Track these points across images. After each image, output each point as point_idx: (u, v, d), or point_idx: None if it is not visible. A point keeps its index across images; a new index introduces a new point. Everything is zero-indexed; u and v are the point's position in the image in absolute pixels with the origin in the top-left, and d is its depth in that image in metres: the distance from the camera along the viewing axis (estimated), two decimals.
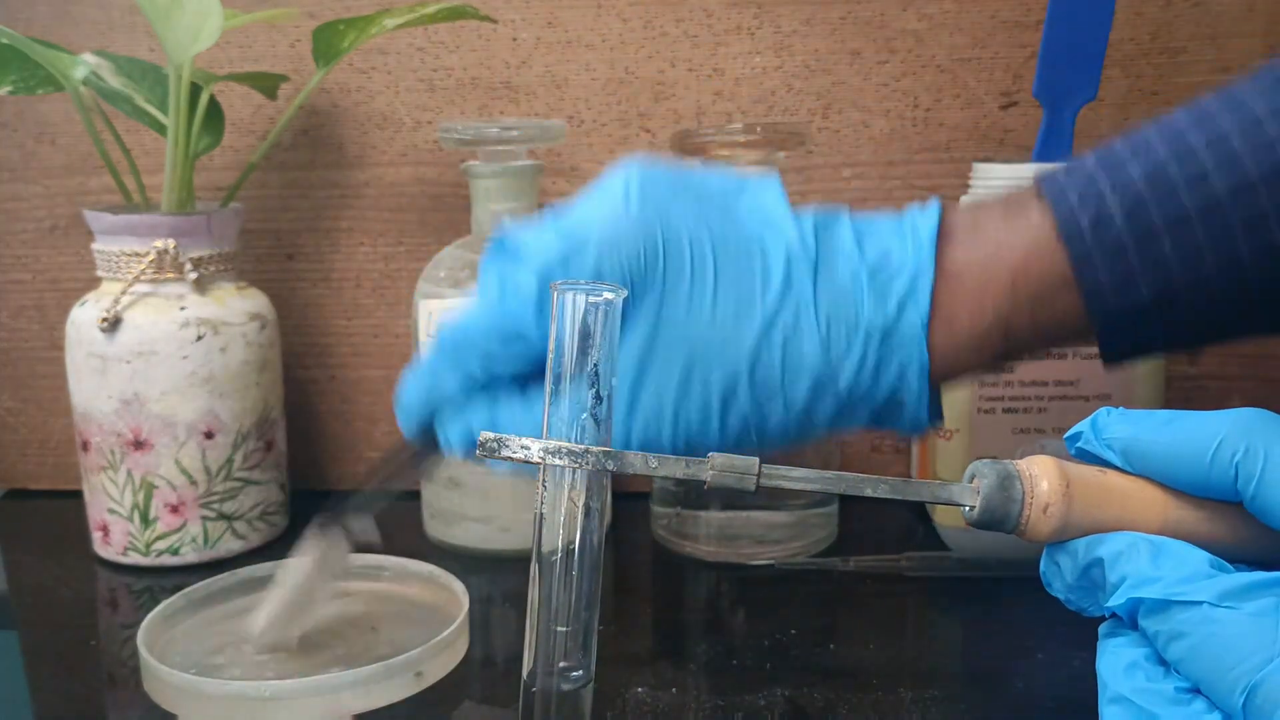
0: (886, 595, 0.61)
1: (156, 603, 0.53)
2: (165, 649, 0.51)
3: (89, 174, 0.76)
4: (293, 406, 0.74)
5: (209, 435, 0.64)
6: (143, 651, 0.49)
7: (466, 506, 0.66)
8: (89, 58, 0.66)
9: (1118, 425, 0.35)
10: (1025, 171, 0.60)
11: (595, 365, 0.33)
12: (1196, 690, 0.30)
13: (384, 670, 0.48)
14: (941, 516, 0.65)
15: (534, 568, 0.34)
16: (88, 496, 0.67)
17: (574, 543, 0.34)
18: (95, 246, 0.65)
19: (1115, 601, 0.32)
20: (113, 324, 0.63)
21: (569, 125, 0.73)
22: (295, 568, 0.50)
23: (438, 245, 0.70)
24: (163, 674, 0.48)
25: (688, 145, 0.61)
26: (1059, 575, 0.34)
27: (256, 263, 0.76)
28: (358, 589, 0.58)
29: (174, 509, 0.65)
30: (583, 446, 0.33)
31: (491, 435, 0.33)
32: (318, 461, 0.78)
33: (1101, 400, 0.60)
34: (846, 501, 0.69)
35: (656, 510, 0.68)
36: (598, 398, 0.34)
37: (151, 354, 0.63)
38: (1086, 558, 0.33)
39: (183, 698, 0.47)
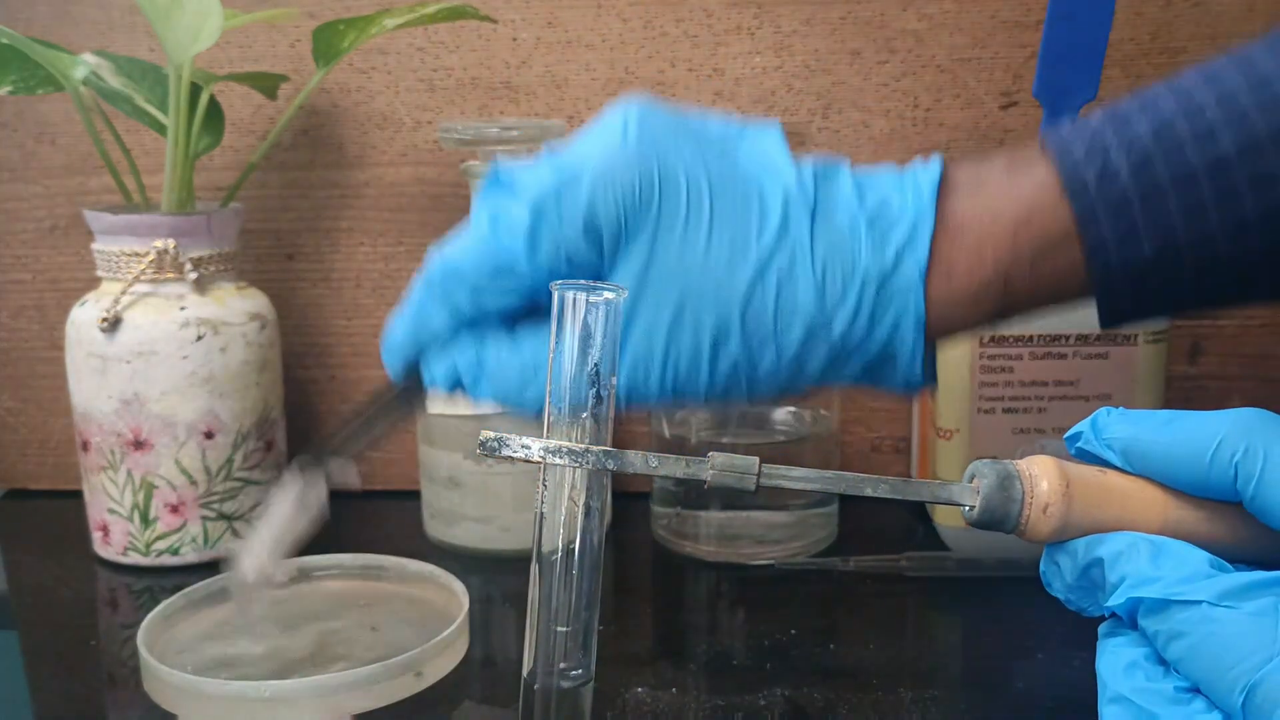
0: (886, 595, 0.61)
1: (156, 603, 0.53)
2: (165, 649, 0.51)
3: (89, 174, 0.76)
4: (293, 406, 0.74)
5: (209, 435, 0.64)
6: (143, 651, 0.49)
7: (466, 506, 0.66)
8: (89, 58, 0.66)
9: (1118, 425, 0.35)
10: None
11: (595, 365, 0.33)
12: (1196, 690, 0.30)
13: (384, 670, 0.48)
14: (941, 516, 0.65)
15: (534, 567, 0.34)
16: (88, 496, 0.67)
17: (574, 542, 0.34)
18: (95, 246, 0.65)
19: (1115, 601, 0.32)
20: (113, 324, 0.63)
21: (569, 125, 0.73)
22: (274, 507, 0.49)
23: (437, 245, 0.70)
24: (163, 674, 0.48)
25: None
26: (1059, 575, 0.34)
27: (256, 263, 0.76)
28: (358, 589, 0.58)
29: (174, 509, 0.65)
30: (583, 446, 0.33)
31: (492, 434, 0.33)
32: None
33: (1101, 400, 0.60)
34: (846, 501, 0.69)
35: (656, 510, 0.68)
36: (598, 397, 0.34)
37: (151, 354, 0.63)
38: (1086, 558, 0.33)
39: (183, 698, 0.47)
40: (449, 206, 0.74)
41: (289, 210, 0.76)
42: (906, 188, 0.40)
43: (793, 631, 0.56)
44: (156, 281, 0.64)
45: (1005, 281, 0.39)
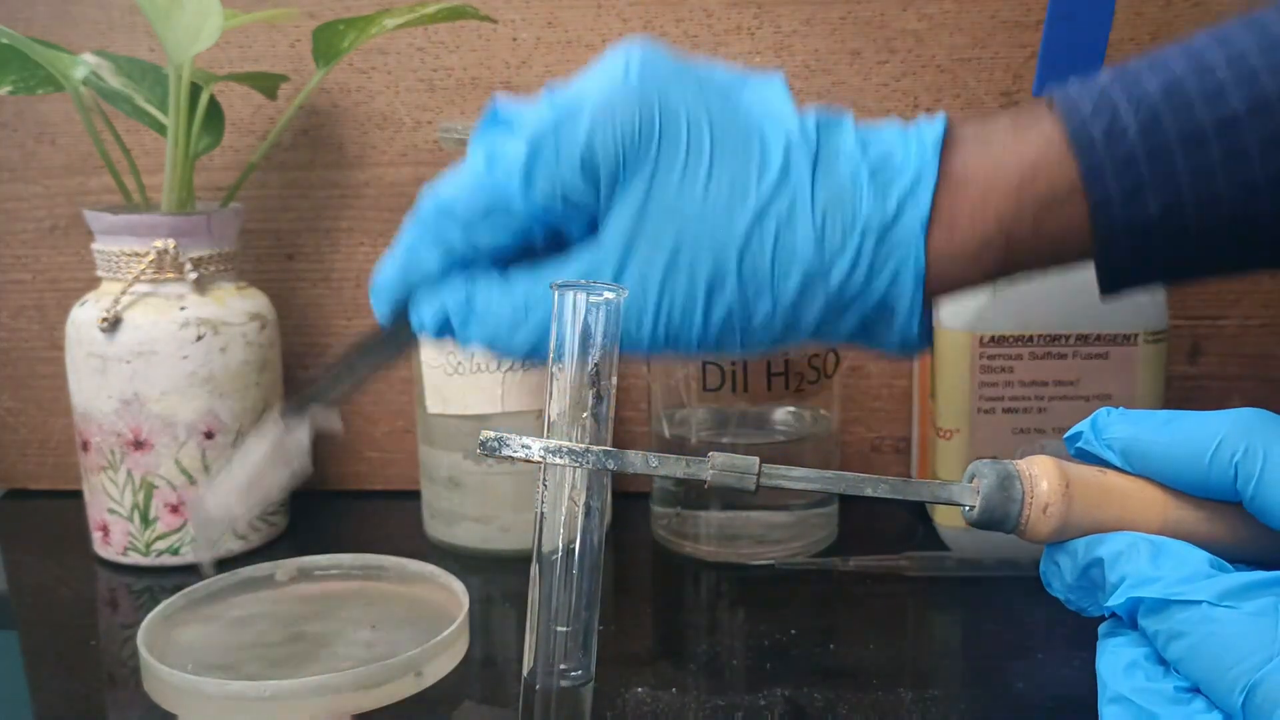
0: (886, 595, 0.61)
1: (156, 603, 0.53)
2: (165, 649, 0.51)
3: (89, 174, 0.76)
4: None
5: (209, 435, 0.64)
6: (143, 651, 0.49)
7: (466, 506, 0.66)
8: (89, 58, 0.66)
9: (1117, 425, 0.35)
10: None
11: (595, 364, 0.33)
12: (1196, 689, 0.30)
13: (384, 670, 0.48)
14: (941, 516, 0.65)
15: (534, 567, 0.34)
16: (88, 496, 0.67)
17: (574, 542, 0.34)
18: (95, 246, 0.65)
19: (1115, 601, 0.32)
20: (113, 324, 0.63)
21: None
22: (251, 449, 0.49)
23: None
24: (163, 674, 0.48)
25: None
26: (1059, 575, 0.34)
27: (256, 263, 0.76)
28: (358, 589, 0.58)
29: (174, 509, 0.65)
30: (583, 445, 0.33)
31: (492, 434, 0.33)
32: (318, 461, 0.78)
33: (1101, 400, 0.60)
34: (846, 501, 0.69)
35: (656, 510, 0.68)
36: (598, 397, 0.34)
37: (151, 354, 0.63)
38: (1086, 558, 0.33)
39: (183, 698, 0.47)
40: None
41: (289, 210, 0.76)
42: (910, 140, 0.39)
43: (793, 631, 0.56)
44: (156, 281, 0.64)
45: (1007, 237, 0.38)
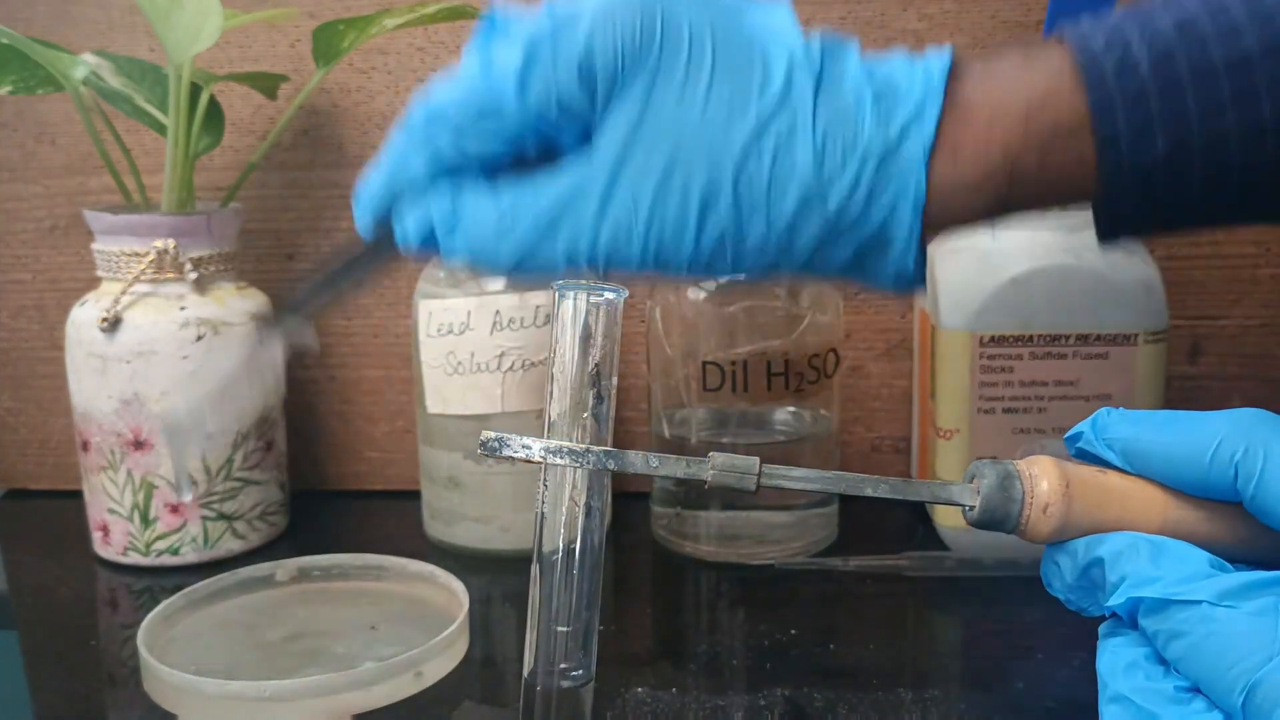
0: (886, 595, 0.61)
1: (156, 603, 0.53)
2: (165, 649, 0.51)
3: (89, 174, 0.76)
4: (293, 406, 0.74)
5: (209, 435, 0.64)
6: (143, 651, 0.49)
7: (466, 506, 0.66)
8: (89, 58, 0.66)
9: (1118, 425, 0.35)
10: None
11: (596, 365, 0.33)
12: (1196, 689, 0.30)
13: (384, 670, 0.48)
14: (941, 516, 0.65)
15: (535, 567, 0.34)
16: (88, 496, 0.67)
17: (575, 542, 0.34)
18: (95, 246, 0.65)
19: (1115, 601, 0.32)
20: (113, 324, 0.63)
21: None
22: (224, 361, 0.47)
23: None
24: (163, 674, 0.48)
25: None
26: (1059, 575, 0.34)
27: (256, 263, 0.76)
28: (358, 589, 0.58)
29: (174, 509, 0.65)
30: (584, 446, 0.33)
31: (492, 434, 0.33)
32: (318, 461, 0.78)
33: (1101, 400, 0.60)
34: (846, 501, 0.69)
35: (656, 510, 0.68)
36: (598, 397, 0.34)
37: (151, 354, 0.63)
38: (1086, 558, 0.33)
39: (183, 698, 0.47)
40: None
41: (289, 210, 0.76)
42: (917, 68, 0.38)
43: (793, 631, 0.56)
44: (156, 281, 0.64)
45: (1011, 168, 0.38)
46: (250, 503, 0.67)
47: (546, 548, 0.34)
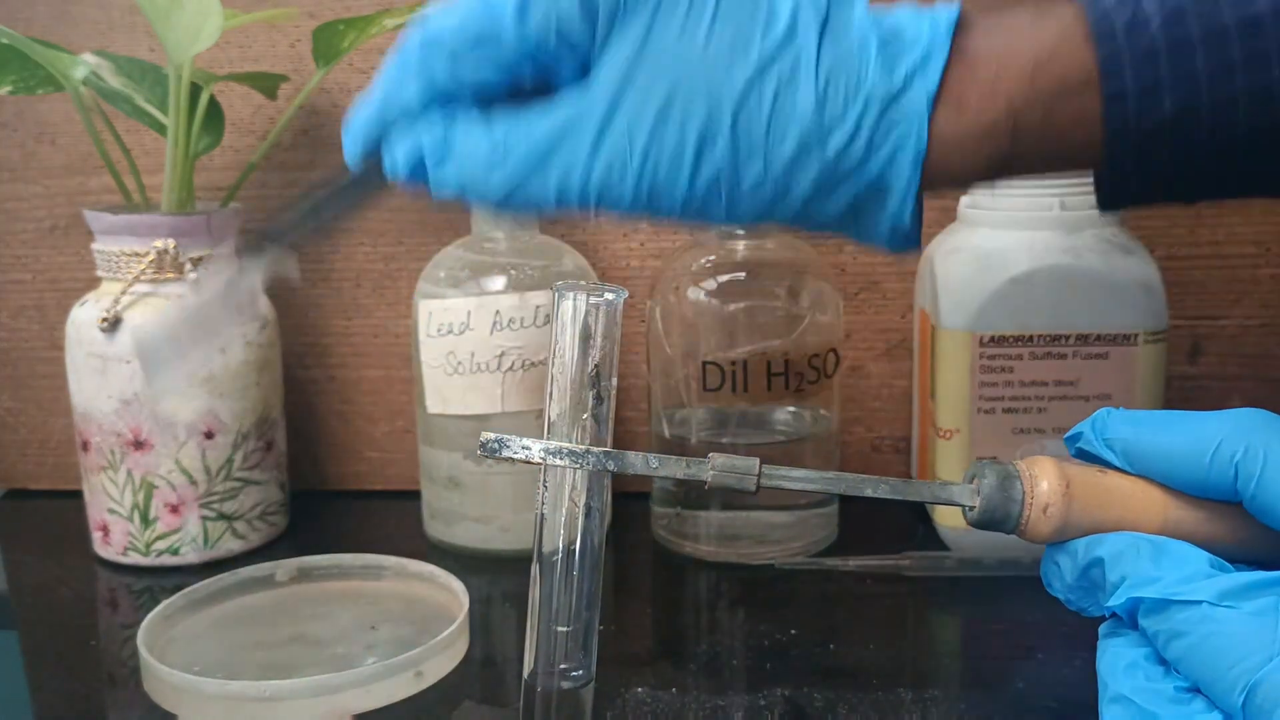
0: (886, 595, 0.61)
1: (156, 603, 0.54)
2: (165, 649, 0.51)
3: (89, 174, 0.76)
4: (293, 406, 0.74)
5: (209, 435, 0.64)
6: (143, 651, 0.49)
7: (466, 506, 0.66)
8: (89, 58, 0.66)
9: (1118, 425, 0.35)
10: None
11: (595, 365, 0.33)
12: (1196, 689, 0.30)
13: (384, 670, 0.48)
14: (941, 516, 0.65)
15: (535, 568, 0.34)
16: (88, 496, 0.67)
17: (575, 543, 0.34)
18: (95, 246, 0.65)
19: (1115, 601, 0.32)
20: (113, 324, 0.63)
21: None
22: (204, 285, 0.47)
23: (438, 245, 0.70)
24: (163, 674, 0.48)
25: None
26: (1059, 575, 0.34)
27: None
28: (358, 589, 0.58)
29: (174, 509, 0.65)
30: (583, 447, 0.33)
31: (492, 435, 0.33)
32: (318, 461, 0.78)
33: (1101, 400, 0.60)
34: (846, 501, 0.69)
35: (656, 510, 0.68)
36: (598, 398, 0.34)
37: None
38: (1086, 558, 0.33)
39: (183, 698, 0.47)
40: (449, 206, 0.74)
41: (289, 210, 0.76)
42: (924, 18, 0.38)
43: (793, 631, 0.57)
44: (156, 281, 0.64)
45: (1015, 123, 0.37)
46: (250, 503, 0.67)
47: (546, 548, 0.34)
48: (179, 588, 0.55)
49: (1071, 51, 0.37)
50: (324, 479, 0.78)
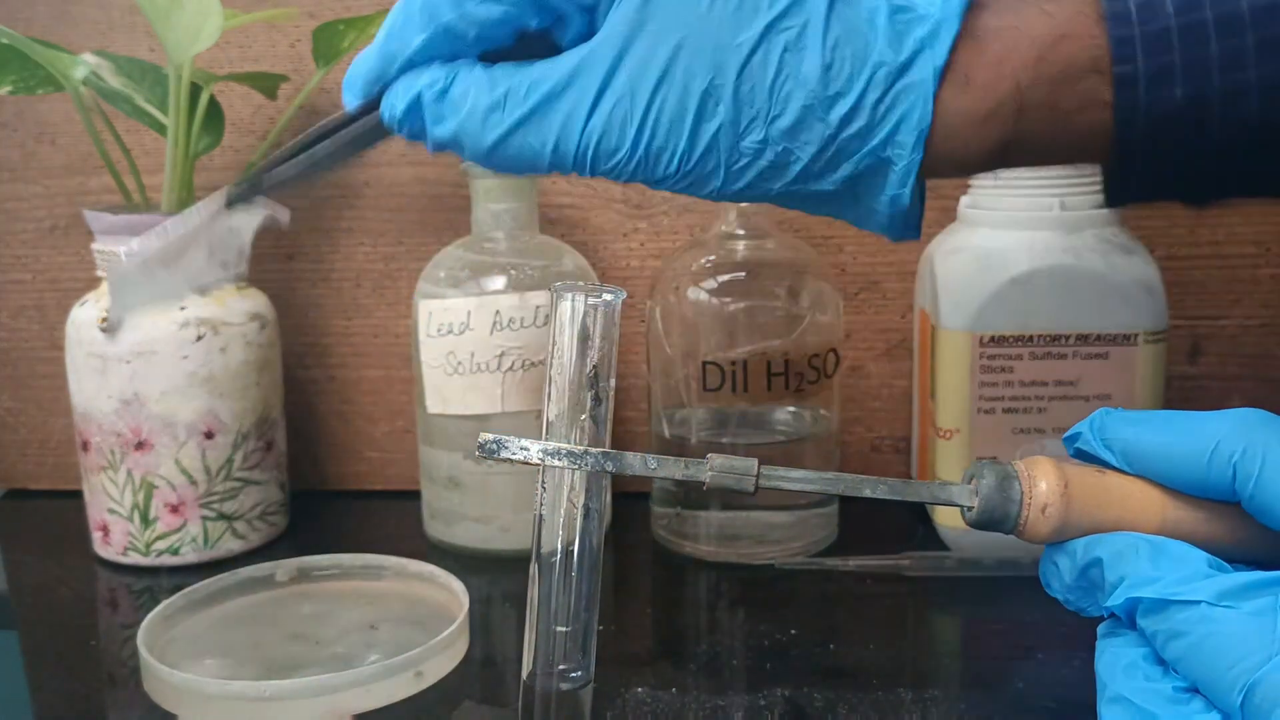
0: (886, 595, 0.61)
1: (156, 603, 0.54)
2: (165, 649, 0.51)
3: (89, 174, 0.76)
4: (293, 406, 0.74)
5: (209, 435, 0.64)
6: (143, 651, 0.49)
7: (466, 506, 0.66)
8: (89, 58, 0.66)
9: (1116, 425, 0.35)
10: (1025, 170, 0.60)
11: (594, 366, 0.33)
12: (1195, 689, 0.30)
13: (384, 670, 0.48)
14: (941, 516, 0.65)
15: (533, 568, 0.34)
16: (88, 496, 0.67)
17: (573, 544, 0.34)
18: (95, 246, 0.65)
19: (1114, 601, 0.32)
20: (113, 324, 0.63)
21: None
22: (187, 219, 0.46)
23: (438, 245, 0.70)
24: (163, 674, 0.48)
25: None
26: (1058, 576, 0.34)
27: (256, 263, 0.76)
28: (358, 589, 0.58)
29: (174, 509, 0.65)
30: (582, 448, 0.33)
31: (490, 436, 0.33)
32: (318, 461, 0.78)
33: (1101, 400, 0.60)
34: (846, 501, 0.69)
35: (656, 510, 0.68)
36: (596, 399, 0.34)
37: (151, 354, 0.63)
38: (1085, 558, 0.33)
39: (183, 698, 0.47)
40: (449, 206, 0.74)
41: (289, 210, 0.76)
42: None
43: (793, 631, 0.57)
44: None
45: (1020, 105, 0.37)
46: (250, 503, 0.67)
47: (545, 549, 0.34)
48: (179, 588, 0.55)
49: (1083, 33, 0.36)
50: (324, 479, 0.78)
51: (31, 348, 0.78)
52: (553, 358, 0.34)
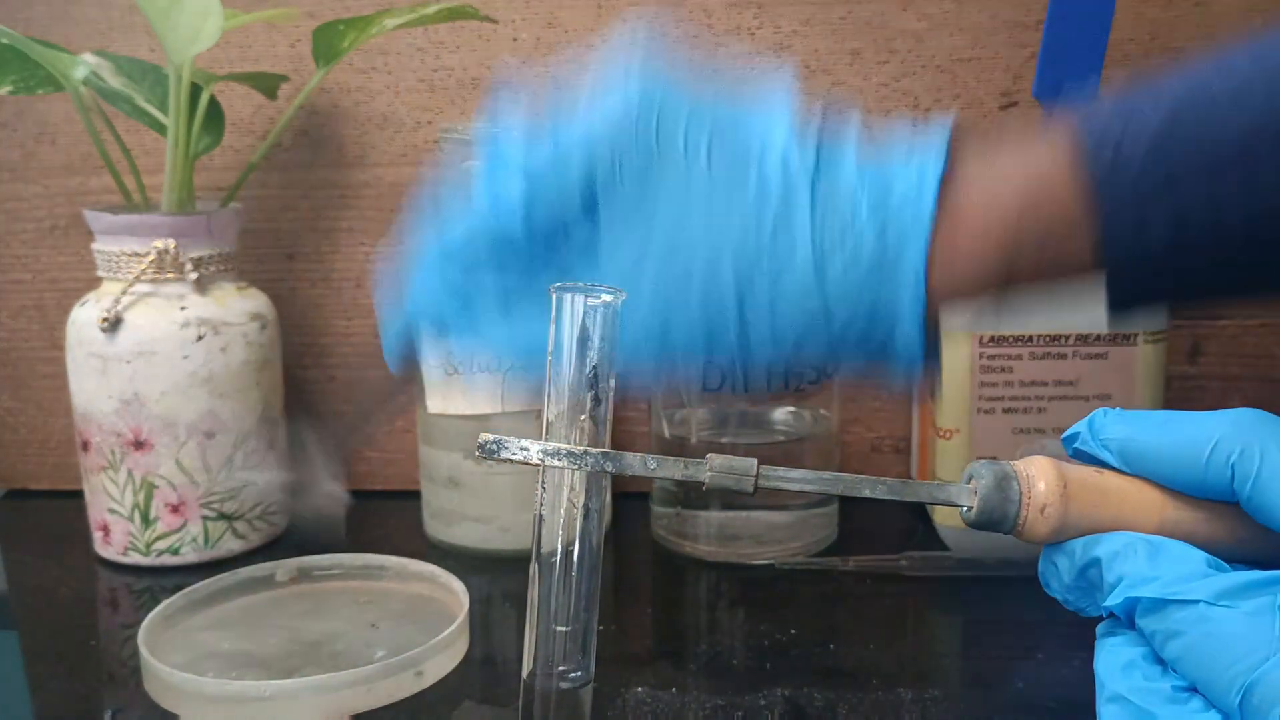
0: (886, 595, 0.61)
1: (157, 603, 0.53)
2: (165, 649, 0.51)
3: (89, 174, 0.76)
4: (293, 406, 0.74)
5: (209, 435, 0.64)
6: (143, 651, 0.49)
7: (466, 506, 0.66)
8: (89, 58, 0.66)
9: (1115, 426, 0.35)
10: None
11: (593, 366, 0.33)
12: (1194, 689, 0.30)
13: (384, 670, 0.48)
14: (941, 516, 0.65)
15: (533, 568, 0.34)
16: (88, 496, 0.67)
17: (573, 544, 0.34)
18: (95, 246, 0.65)
19: (1112, 601, 0.32)
20: (113, 324, 0.63)
21: None
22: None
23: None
24: (163, 674, 0.48)
25: None
26: (1057, 576, 0.34)
27: (256, 263, 0.76)
28: (358, 589, 0.58)
29: (174, 509, 0.65)
30: (581, 448, 0.33)
31: (490, 436, 0.33)
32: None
33: (1101, 400, 0.60)
34: (846, 501, 0.69)
35: (656, 510, 0.68)
36: (596, 399, 0.34)
37: (152, 354, 0.63)
38: (1084, 558, 0.33)
39: (183, 698, 0.47)
40: None
41: (289, 210, 0.76)
42: (911, 169, 0.38)
43: (793, 631, 0.57)
44: (157, 281, 0.64)
45: (1008, 270, 0.38)
46: (251, 503, 0.67)
47: (545, 549, 0.34)
48: (179, 588, 0.55)
49: (1057, 195, 0.37)
50: None
51: (31, 348, 0.78)
52: (552, 358, 0.34)
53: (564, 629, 0.34)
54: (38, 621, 0.62)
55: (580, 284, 0.35)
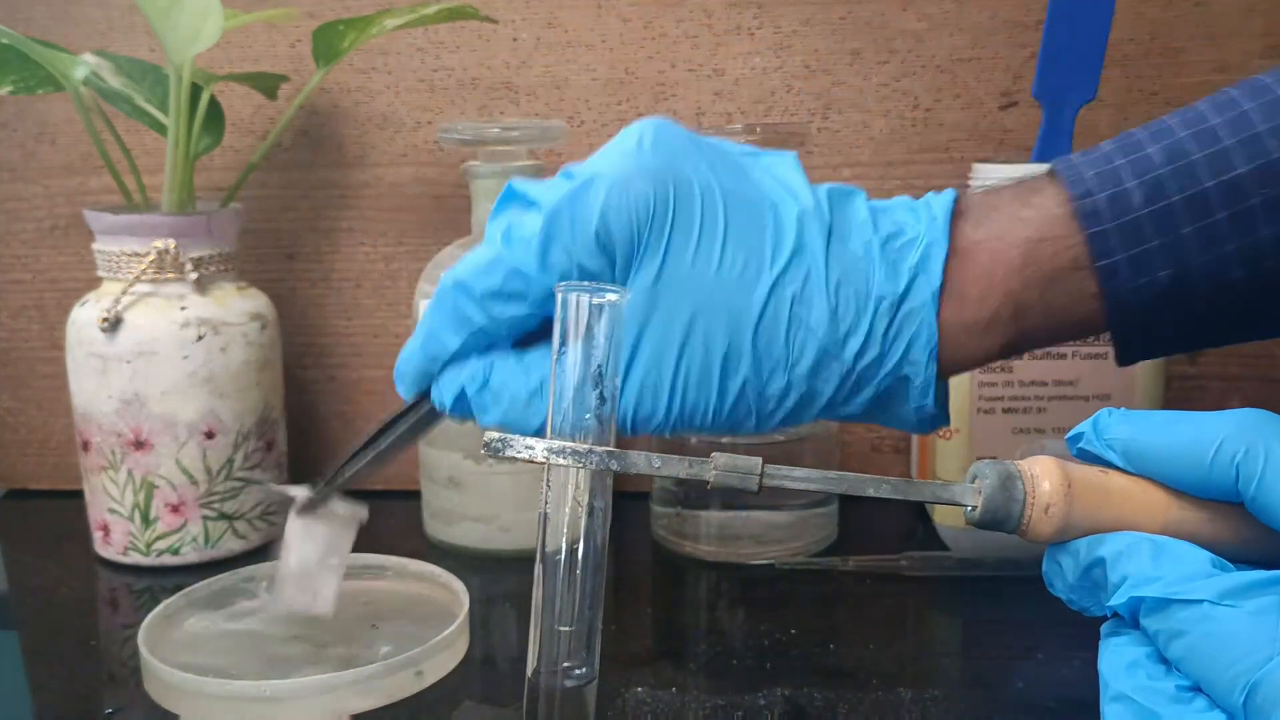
0: (886, 595, 0.61)
1: (157, 603, 0.53)
2: (165, 649, 0.51)
3: (89, 174, 0.76)
4: (293, 406, 0.74)
5: (209, 435, 0.64)
6: (143, 651, 0.49)
7: (466, 506, 0.66)
8: (89, 58, 0.66)
9: (1119, 426, 0.35)
10: (1025, 172, 0.60)
11: (599, 366, 0.33)
12: (1197, 688, 0.30)
13: (384, 670, 0.48)
14: (941, 516, 0.65)
15: (538, 567, 0.34)
16: (88, 496, 0.67)
17: (578, 542, 0.34)
18: (95, 246, 0.65)
19: (1116, 601, 0.32)
20: (113, 324, 0.63)
21: (569, 126, 0.73)
22: (292, 545, 0.50)
23: (438, 245, 0.70)
24: (163, 674, 0.48)
25: None
26: (1061, 575, 0.34)
27: (256, 263, 0.76)
28: (358, 588, 0.58)
29: (174, 509, 0.65)
30: (587, 446, 0.33)
31: (496, 435, 0.33)
32: (318, 461, 0.78)
33: (1101, 400, 0.60)
34: (846, 501, 0.69)
35: (656, 510, 0.68)
36: (601, 398, 0.34)
37: (152, 354, 0.63)
38: (1088, 558, 0.33)
39: (183, 698, 0.47)
40: (449, 207, 0.74)
41: (289, 210, 0.76)
42: (920, 213, 0.40)
43: (793, 631, 0.57)
44: (157, 281, 0.64)
45: (1015, 310, 0.39)
46: (250, 502, 0.67)
47: (549, 547, 0.34)
48: (179, 588, 0.55)
49: (1059, 235, 0.38)
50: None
51: (31, 348, 0.78)
52: (557, 357, 0.34)
53: (568, 628, 0.34)
54: (38, 621, 0.62)
55: (585, 283, 0.35)
